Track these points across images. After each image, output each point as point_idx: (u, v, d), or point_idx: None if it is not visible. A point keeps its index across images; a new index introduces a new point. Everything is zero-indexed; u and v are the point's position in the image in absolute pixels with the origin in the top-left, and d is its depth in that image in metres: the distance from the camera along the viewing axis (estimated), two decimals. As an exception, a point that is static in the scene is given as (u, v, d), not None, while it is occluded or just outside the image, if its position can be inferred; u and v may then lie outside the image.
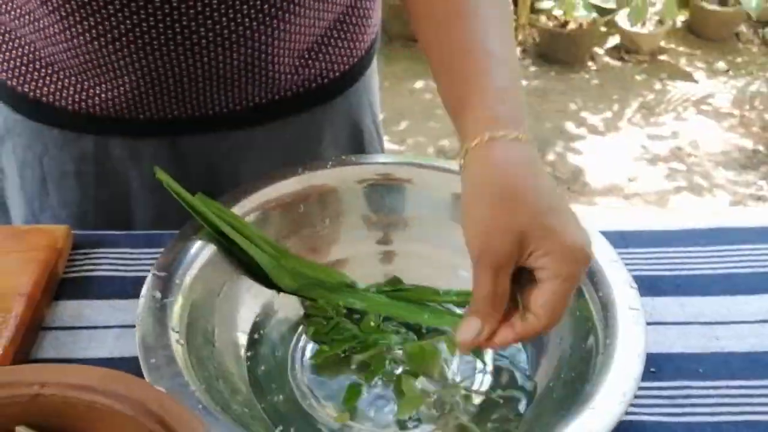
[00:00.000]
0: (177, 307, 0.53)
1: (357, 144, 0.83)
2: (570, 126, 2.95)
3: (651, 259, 0.69)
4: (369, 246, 0.67)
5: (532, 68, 3.38)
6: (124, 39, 0.63)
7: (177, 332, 0.51)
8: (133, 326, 0.62)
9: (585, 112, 3.04)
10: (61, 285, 0.67)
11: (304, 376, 0.58)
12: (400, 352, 0.59)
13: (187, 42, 0.64)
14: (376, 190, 0.67)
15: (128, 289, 0.66)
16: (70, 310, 0.64)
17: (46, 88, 0.70)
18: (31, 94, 0.71)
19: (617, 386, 0.48)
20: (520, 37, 3.49)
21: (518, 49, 3.46)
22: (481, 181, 0.50)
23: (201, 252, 0.58)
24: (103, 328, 0.63)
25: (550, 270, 0.47)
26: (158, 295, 0.54)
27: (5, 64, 0.71)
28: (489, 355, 0.59)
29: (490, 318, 0.49)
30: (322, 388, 0.57)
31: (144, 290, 0.54)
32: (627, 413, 0.51)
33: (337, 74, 0.76)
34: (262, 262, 0.61)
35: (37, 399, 0.45)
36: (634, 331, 0.52)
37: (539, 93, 3.17)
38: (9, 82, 0.71)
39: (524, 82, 3.29)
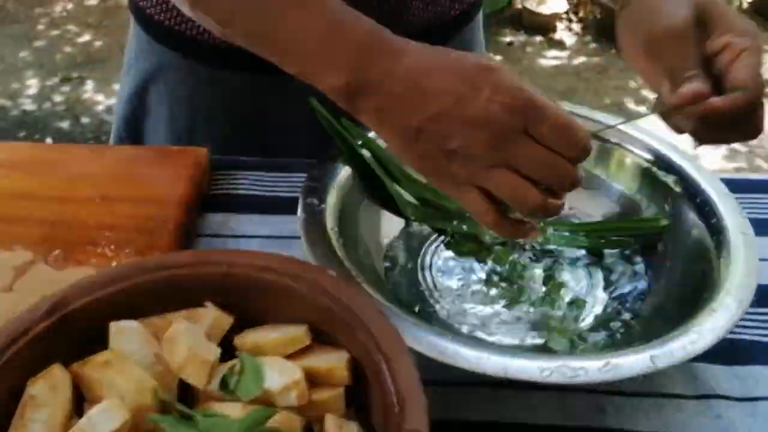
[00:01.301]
0: (330, 211, 0.60)
1: None
2: (629, 103, 2.96)
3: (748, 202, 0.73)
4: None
5: (592, 45, 3.38)
6: None
7: (335, 231, 0.58)
8: (276, 237, 0.69)
9: (645, 91, 3.03)
10: (206, 200, 0.74)
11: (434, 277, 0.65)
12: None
13: None
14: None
15: (266, 207, 0.74)
16: (217, 221, 0.72)
17: (201, 27, 0.77)
18: (188, 32, 0.78)
19: (734, 295, 0.53)
20: (581, 13, 3.49)
21: (579, 25, 3.47)
22: None
23: (344, 168, 0.65)
24: (249, 237, 0.70)
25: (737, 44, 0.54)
26: (315, 201, 0.60)
27: (164, 5, 0.78)
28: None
29: (707, 82, 0.55)
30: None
31: (301, 197, 0.61)
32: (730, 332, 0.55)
33: (458, 11, 0.81)
34: (392, 191, 0.67)
35: (226, 278, 0.53)
36: (746, 252, 0.57)
37: (599, 69, 3.17)
38: (167, 22, 0.78)
39: (584, 59, 3.30)
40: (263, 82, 0.80)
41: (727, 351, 0.60)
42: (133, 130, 0.86)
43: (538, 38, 3.45)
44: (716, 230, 0.60)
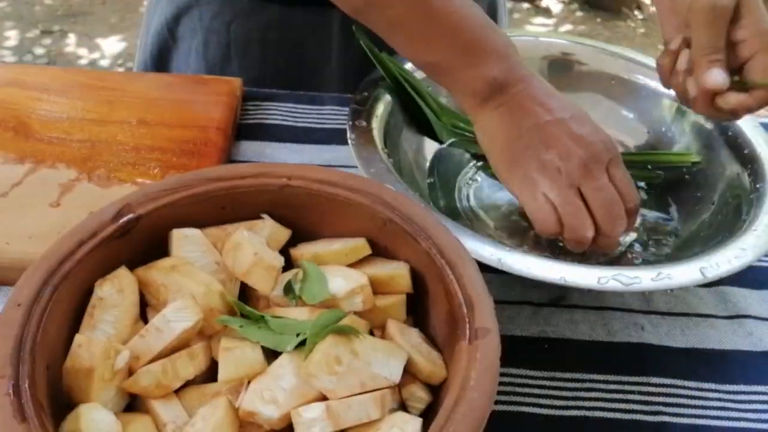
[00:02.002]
0: (377, 132, 0.61)
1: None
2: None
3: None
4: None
5: (579, 13, 3.40)
6: None
7: (385, 152, 0.59)
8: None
9: (630, 59, 3.06)
10: (240, 129, 0.74)
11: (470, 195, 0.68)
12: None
13: None
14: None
15: (300, 135, 0.74)
16: (253, 148, 0.72)
17: None
18: None
19: (772, 217, 0.56)
20: (568, -17, 3.50)
21: (566, -6, 3.48)
22: None
23: (385, 95, 0.66)
24: (287, 164, 0.70)
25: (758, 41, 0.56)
26: (363, 123, 0.61)
27: None
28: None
29: (727, 66, 0.57)
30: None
31: (350, 119, 0.62)
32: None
33: None
34: (429, 117, 0.69)
35: (284, 189, 0.53)
36: (781, 179, 0.59)
37: (585, 37, 3.19)
38: None
39: (570, 26, 3.32)
40: (299, 14, 0.80)
41: (757, 277, 0.63)
42: (161, 62, 0.86)
43: (525, 5, 3.46)
44: (749, 159, 0.63)
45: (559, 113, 0.59)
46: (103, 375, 0.43)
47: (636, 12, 3.40)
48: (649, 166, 0.69)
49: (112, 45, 2.87)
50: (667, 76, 0.62)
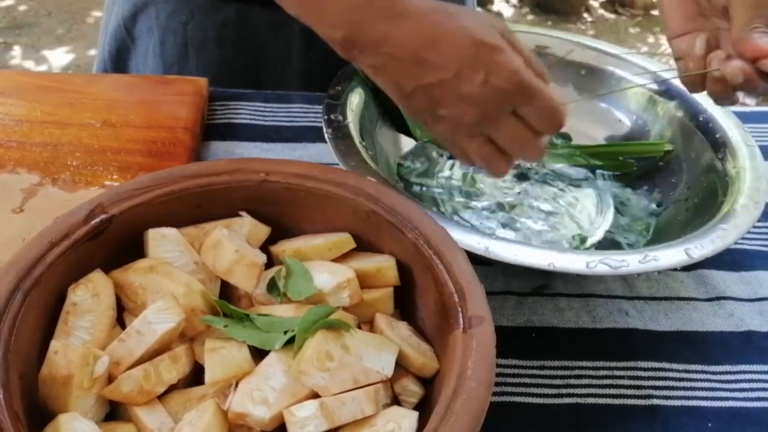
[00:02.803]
0: (353, 125, 0.60)
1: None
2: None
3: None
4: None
5: (530, 17, 3.45)
6: None
7: (363, 145, 0.58)
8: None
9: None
10: (208, 130, 0.72)
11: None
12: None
13: None
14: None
15: (270, 134, 0.73)
16: (222, 148, 0.70)
17: None
18: None
19: (750, 197, 0.56)
20: (519, -14, 3.55)
21: (517, -3, 3.53)
22: None
23: (359, 88, 0.65)
24: (258, 163, 0.69)
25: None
26: (339, 117, 0.60)
27: None
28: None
29: None
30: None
31: (325, 114, 0.60)
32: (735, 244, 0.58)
33: None
34: (403, 112, 0.68)
35: (262, 185, 0.52)
36: (752, 160, 0.60)
37: (537, 40, 3.24)
38: None
39: (522, 30, 3.36)
40: (257, 12, 0.78)
41: (734, 259, 0.63)
42: (120, 63, 0.83)
43: (477, 9, 3.50)
44: (721, 144, 0.63)
45: (441, 72, 0.51)
46: (82, 383, 0.41)
47: (585, 15, 3.46)
48: (621, 158, 0.70)
49: (59, 57, 2.79)
50: (699, 87, 0.59)
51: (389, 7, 0.52)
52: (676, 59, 0.60)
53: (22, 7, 3.18)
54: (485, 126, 0.53)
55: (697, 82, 0.58)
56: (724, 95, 0.57)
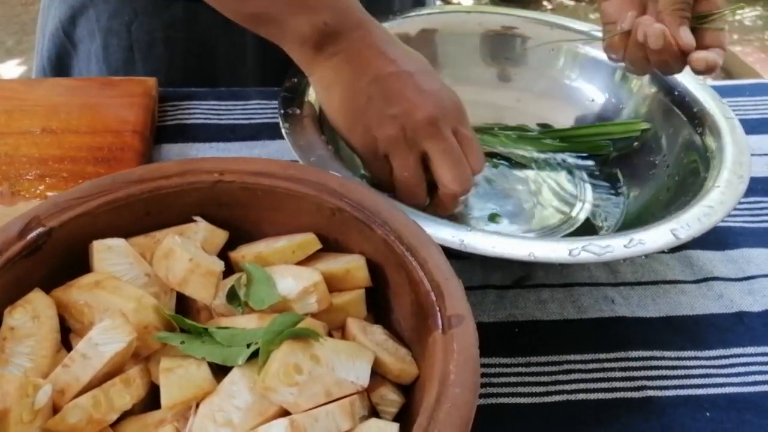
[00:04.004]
0: (311, 119, 0.56)
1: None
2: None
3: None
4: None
5: (490, 5, 3.44)
6: None
7: (323, 139, 0.54)
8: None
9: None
10: (159, 132, 0.68)
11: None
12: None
13: None
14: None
15: (225, 134, 0.68)
16: (175, 150, 0.66)
17: None
18: None
19: (733, 171, 0.54)
20: (478, -25, 3.53)
21: (476, -14, 3.51)
22: None
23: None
24: (214, 164, 0.64)
25: None
26: (297, 110, 0.56)
27: None
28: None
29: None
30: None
31: (281, 108, 0.56)
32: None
33: None
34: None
35: (216, 186, 0.48)
36: (733, 134, 0.58)
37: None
38: None
39: (482, 20, 3.35)
40: (206, 10, 0.74)
41: (718, 238, 0.61)
42: (60, 68, 0.78)
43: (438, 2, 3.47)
44: (699, 117, 0.61)
45: (404, 65, 0.55)
46: (21, 416, 0.37)
47: (546, 2, 3.46)
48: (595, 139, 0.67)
49: (10, 69, 2.70)
50: (620, 52, 0.60)
51: (361, 14, 0.56)
52: (604, 24, 0.62)
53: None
54: (430, 137, 0.54)
55: (619, 48, 0.60)
56: (642, 64, 0.59)
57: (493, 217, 0.60)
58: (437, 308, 0.41)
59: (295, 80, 0.60)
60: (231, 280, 0.45)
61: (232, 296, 0.44)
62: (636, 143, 0.65)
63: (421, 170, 0.55)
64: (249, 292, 0.44)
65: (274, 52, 0.74)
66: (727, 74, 2.62)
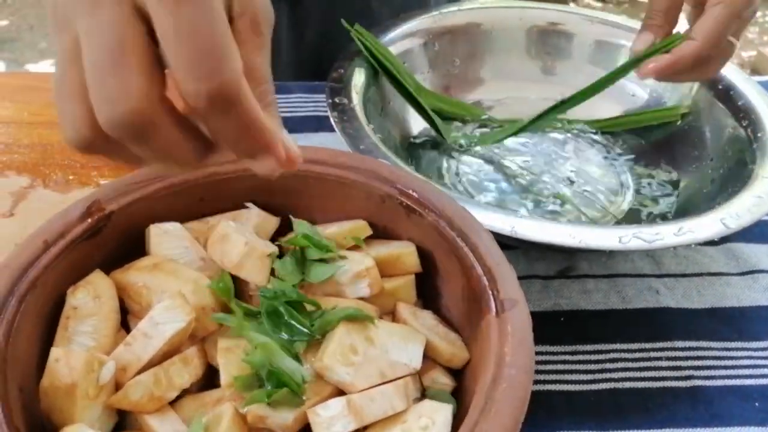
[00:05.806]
0: (359, 108, 0.56)
1: None
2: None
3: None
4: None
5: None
6: None
7: (371, 128, 0.55)
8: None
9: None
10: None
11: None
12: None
13: None
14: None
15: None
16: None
17: None
18: None
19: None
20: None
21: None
22: None
23: (362, 68, 0.62)
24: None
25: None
26: (344, 100, 0.57)
27: None
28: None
29: (661, 30, 0.57)
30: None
31: (328, 98, 0.57)
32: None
33: None
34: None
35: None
36: (781, 126, 0.57)
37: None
38: None
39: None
40: None
41: (762, 231, 0.60)
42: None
43: None
44: (744, 111, 0.60)
45: None
46: (87, 391, 0.38)
47: (572, 3, 3.44)
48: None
49: (44, 70, 2.75)
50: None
51: None
52: (649, 13, 0.60)
53: (3, 22, 3.13)
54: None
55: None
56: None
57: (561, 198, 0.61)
58: (490, 292, 0.41)
59: (342, 71, 0.61)
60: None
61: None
62: (679, 134, 0.65)
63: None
64: (307, 268, 0.45)
65: (307, 46, 0.76)
66: (756, 74, 2.60)
